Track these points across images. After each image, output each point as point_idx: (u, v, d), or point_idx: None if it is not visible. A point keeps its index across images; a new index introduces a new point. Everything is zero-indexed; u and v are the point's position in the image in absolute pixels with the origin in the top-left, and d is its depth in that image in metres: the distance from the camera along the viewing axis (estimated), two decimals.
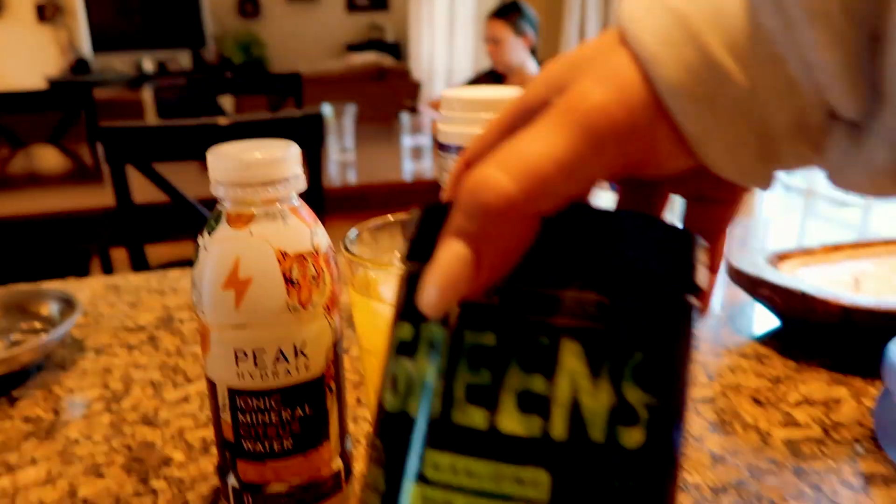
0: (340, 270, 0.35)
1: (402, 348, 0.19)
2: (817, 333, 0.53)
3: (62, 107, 2.19)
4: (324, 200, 1.33)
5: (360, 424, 0.45)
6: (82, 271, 1.80)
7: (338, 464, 0.36)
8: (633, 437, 0.17)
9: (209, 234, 0.32)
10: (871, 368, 0.50)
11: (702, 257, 0.19)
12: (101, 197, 1.46)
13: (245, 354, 0.32)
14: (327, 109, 1.73)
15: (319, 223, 0.35)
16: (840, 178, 0.17)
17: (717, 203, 0.22)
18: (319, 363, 0.34)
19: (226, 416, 0.34)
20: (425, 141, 1.84)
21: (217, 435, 0.35)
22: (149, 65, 4.21)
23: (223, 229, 0.32)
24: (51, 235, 1.46)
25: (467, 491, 0.17)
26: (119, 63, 4.13)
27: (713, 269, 0.23)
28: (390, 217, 0.35)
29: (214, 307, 0.32)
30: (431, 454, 0.17)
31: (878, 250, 0.61)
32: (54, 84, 3.64)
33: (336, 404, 0.35)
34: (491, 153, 0.17)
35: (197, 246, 0.33)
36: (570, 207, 0.18)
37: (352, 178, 1.64)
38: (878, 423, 0.42)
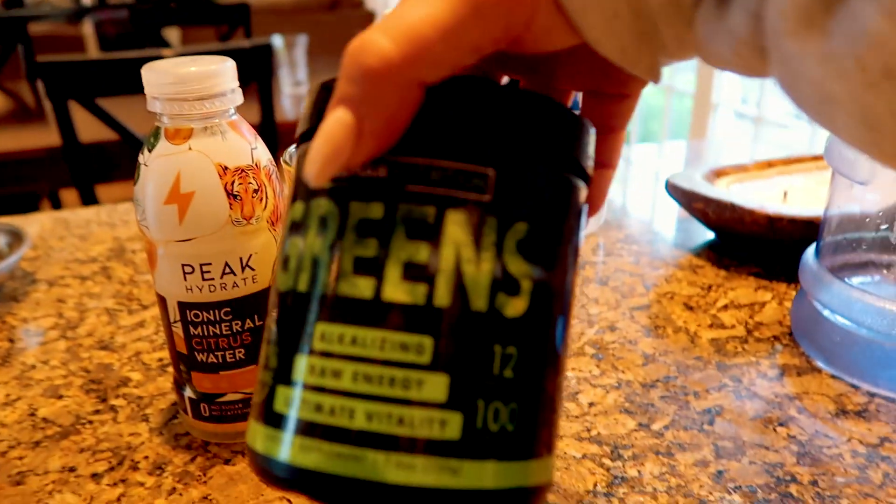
0: (284, 188, 0.36)
1: (294, 227, 0.19)
2: (747, 243, 0.56)
3: None
4: (277, 134, 1.31)
5: None
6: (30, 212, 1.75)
7: None
8: (514, 307, 0.18)
9: (149, 150, 0.33)
10: (793, 274, 0.53)
11: (590, 142, 0.20)
12: (45, 136, 1.41)
13: (192, 268, 0.33)
14: (277, 41, 1.68)
15: (259, 139, 0.35)
16: (709, 54, 0.18)
17: (613, 98, 0.23)
18: (266, 275, 0.35)
19: (178, 330, 0.35)
20: None
21: (171, 349, 0.36)
22: None
23: (162, 145, 0.32)
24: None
25: (354, 359, 0.17)
26: None
27: (610, 166, 0.24)
28: None
29: (159, 222, 0.32)
30: (320, 326, 0.18)
31: (807, 166, 0.64)
32: None
33: None
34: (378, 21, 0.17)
35: (137, 164, 0.33)
36: (465, 80, 0.18)
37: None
38: (794, 320, 0.46)
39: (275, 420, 0.18)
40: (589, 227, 0.62)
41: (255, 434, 0.19)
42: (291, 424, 0.18)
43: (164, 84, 0.32)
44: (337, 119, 0.17)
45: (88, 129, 1.27)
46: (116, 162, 1.41)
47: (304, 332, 0.18)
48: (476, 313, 0.18)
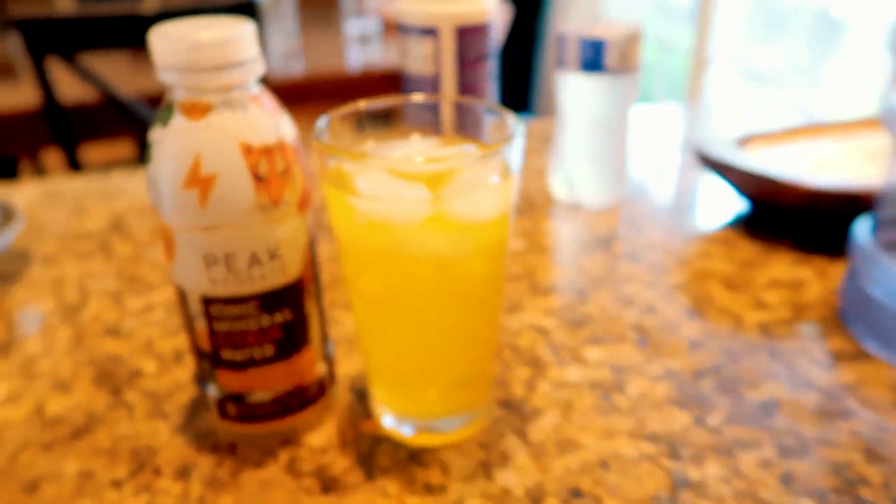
0: (310, 164, 0.33)
1: None
2: (784, 216, 0.53)
3: None
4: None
5: (338, 327, 0.43)
6: (11, 177, 1.69)
7: (321, 369, 0.35)
8: None
9: (162, 126, 0.29)
10: (833, 247, 0.51)
11: None
12: (20, 95, 1.35)
13: (216, 259, 0.30)
14: None
15: (284, 112, 0.31)
16: None
17: None
18: (296, 265, 0.32)
19: (200, 326, 0.32)
20: (372, 25, 1.74)
21: (192, 344, 0.33)
22: None
23: (178, 121, 0.29)
24: None
25: None
26: None
27: None
28: (362, 104, 0.33)
29: (177, 208, 0.29)
30: None
31: (835, 132, 0.61)
32: None
33: (316, 307, 0.34)
34: None
35: (149, 142, 0.30)
36: None
37: (297, 68, 1.54)
38: (843, 301, 0.43)
39: None
40: (610, 199, 0.59)
41: None
42: None
43: (179, 52, 0.28)
44: None
45: (68, 87, 1.20)
46: (99, 121, 1.35)
47: None
48: None
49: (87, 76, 1.14)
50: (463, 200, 0.28)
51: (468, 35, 0.49)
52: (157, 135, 0.29)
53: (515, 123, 0.30)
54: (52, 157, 1.85)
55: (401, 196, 0.28)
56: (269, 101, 0.31)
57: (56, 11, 1.10)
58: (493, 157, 0.29)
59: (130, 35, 1.10)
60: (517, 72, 1.93)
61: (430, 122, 0.35)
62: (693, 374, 0.38)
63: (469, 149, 0.32)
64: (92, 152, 1.56)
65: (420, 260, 0.29)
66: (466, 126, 0.34)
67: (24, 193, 0.65)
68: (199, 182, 0.28)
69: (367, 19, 1.74)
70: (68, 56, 1.11)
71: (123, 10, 1.10)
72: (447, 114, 0.35)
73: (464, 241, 0.29)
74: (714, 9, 2.03)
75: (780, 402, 0.36)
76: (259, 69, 0.30)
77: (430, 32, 0.48)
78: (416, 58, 0.50)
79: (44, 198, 0.64)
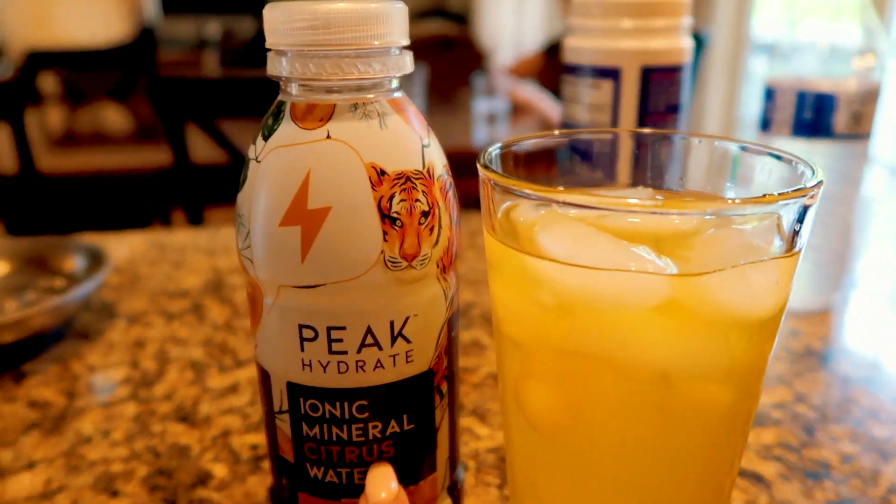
0: (460, 209, 0.23)
1: None
2: None
3: (125, 66, 2.15)
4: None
5: (470, 441, 0.32)
6: None
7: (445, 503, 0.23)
8: None
9: (264, 138, 0.20)
10: None
11: None
12: (163, 155, 1.39)
13: (315, 333, 0.20)
14: None
15: (432, 132, 0.22)
16: None
17: None
18: (428, 351, 0.21)
19: (284, 426, 0.22)
20: (501, 106, 1.71)
21: (271, 450, 0.23)
22: (213, 30, 4.14)
23: (285, 130, 0.20)
24: (113, 194, 1.42)
25: None
26: (184, 28, 4.05)
27: None
28: (556, 133, 0.23)
29: (270, 254, 0.20)
30: None
31: None
32: (119, 48, 3.62)
33: (447, 416, 0.23)
34: None
35: (246, 161, 0.21)
36: None
37: None
38: None
39: None
40: (820, 301, 0.45)
41: None
42: None
43: (297, 29, 0.19)
44: None
45: (204, 149, 1.22)
46: (228, 185, 1.36)
47: None
48: None
49: (221, 140, 1.14)
50: (727, 278, 0.17)
51: (657, 79, 0.38)
52: (255, 150, 0.21)
53: (809, 171, 0.19)
54: (182, 216, 1.91)
55: (620, 263, 0.17)
56: (415, 114, 0.22)
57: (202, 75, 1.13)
58: (772, 217, 0.17)
59: (265, 102, 1.10)
60: None
61: (603, 176, 0.25)
62: None
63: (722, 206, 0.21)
64: (219, 214, 1.59)
65: (637, 371, 0.18)
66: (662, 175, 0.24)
67: (128, 243, 0.60)
68: (304, 217, 0.19)
69: (496, 100, 1.72)
70: (203, 121, 1.12)
71: (255, 72, 1.10)
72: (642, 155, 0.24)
73: (714, 346, 0.18)
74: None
75: None
76: (405, 65, 0.21)
77: (608, 74, 0.39)
78: (586, 106, 0.40)
79: (147, 249, 0.58)
